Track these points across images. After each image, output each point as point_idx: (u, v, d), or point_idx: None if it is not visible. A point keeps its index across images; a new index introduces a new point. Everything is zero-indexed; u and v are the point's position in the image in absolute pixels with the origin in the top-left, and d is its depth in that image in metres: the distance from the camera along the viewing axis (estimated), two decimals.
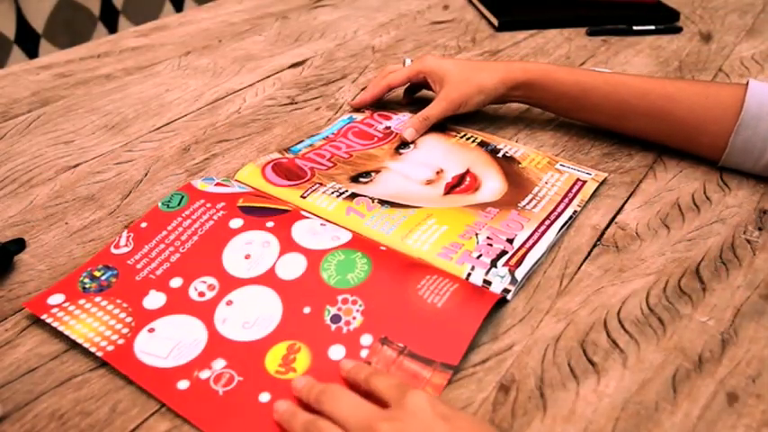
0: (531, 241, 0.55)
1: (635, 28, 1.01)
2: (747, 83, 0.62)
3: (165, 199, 0.58)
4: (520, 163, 0.67)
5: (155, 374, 0.44)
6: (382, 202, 0.60)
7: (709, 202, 0.62)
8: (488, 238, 0.55)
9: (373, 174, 0.65)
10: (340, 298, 0.49)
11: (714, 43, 0.98)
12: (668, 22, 1.04)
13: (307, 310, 0.48)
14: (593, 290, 0.52)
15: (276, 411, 0.41)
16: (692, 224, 0.59)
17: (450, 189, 0.63)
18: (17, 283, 0.53)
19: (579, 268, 0.54)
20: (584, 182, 0.63)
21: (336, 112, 0.78)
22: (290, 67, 0.91)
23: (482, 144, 0.70)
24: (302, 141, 0.71)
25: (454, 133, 0.72)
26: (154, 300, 0.49)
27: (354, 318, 0.47)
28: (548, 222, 0.58)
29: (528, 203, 0.60)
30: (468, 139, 0.71)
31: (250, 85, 0.86)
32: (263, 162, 0.66)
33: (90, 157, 0.70)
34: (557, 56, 0.94)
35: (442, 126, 0.73)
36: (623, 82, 0.67)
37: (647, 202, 0.62)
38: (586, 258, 0.55)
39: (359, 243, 0.53)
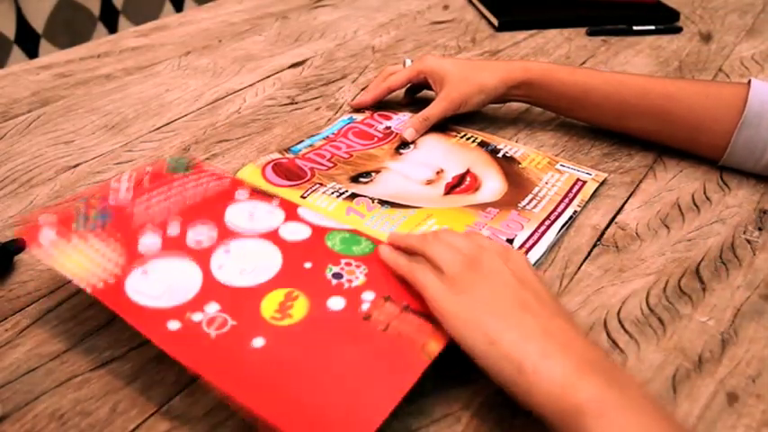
0: (531, 241, 0.55)
1: (635, 28, 1.01)
2: (749, 82, 0.62)
3: (174, 158, 0.57)
4: (520, 163, 0.66)
5: (145, 314, 0.42)
6: (382, 203, 0.60)
7: (709, 202, 0.62)
8: (488, 238, 0.55)
9: (373, 174, 0.65)
10: (344, 261, 0.48)
11: (714, 43, 0.98)
12: (668, 23, 1.04)
13: (308, 264, 0.47)
14: (593, 290, 0.52)
15: (382, 255, 0.47)
16: (692, 224, 0.59)
17: (451, 189, 0.63)
18: (17, 283, 0.53)
19: (579, 268, 0.54)
20: (585, 182, 0.63)
21: (336, 112, 0.78)
22: (290, 67, 0.91)
23: (482, 144, 0.70)
24: (302, 141, 0.71)
25: (454, 133, 0.72)
26: (149, 242, 0.48)
27: (357, 278, 0.46)
28: (548, 222, 0.58)
29: (528, 203, 0.60)
30: (468, 139, 0.71)
31: (250, 85, 0.86)
32: (263, 162, 0.66)
33: (90, 157, 0.70)
34: (557, 56, 0.94)
35: (443, 126, 0.73)
36: (623, 82, 0.67)
37: (647, 202, 0.62)
38: (586, 258, 0.55)
39: (362, 233, 0.53)
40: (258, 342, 0.41)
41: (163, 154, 0.70)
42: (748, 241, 0.57)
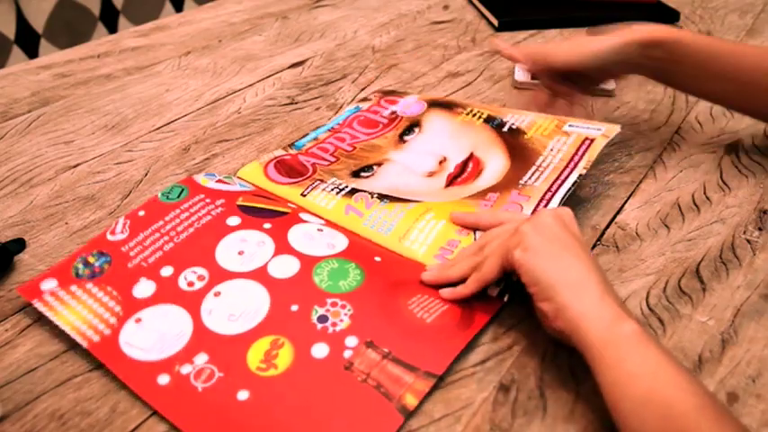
0: None
1: None
2: None
3: (165, 190, 0.58)
4: (526, 133, 0.65)
5: (137, 368, 0.44)
6: (381, 197, 0.59)
7: (709, 202, 0.62)
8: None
9: (375, 167, 0.65)
10: (329, 301, 0.48)
11: None
12: (668, 23, 1.04)
13: (294, 307, 0.48)
14: None
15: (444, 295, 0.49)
16: (692, 224, 0.59)
17: (452, 180, 0.62)
18: (17, 284, 0.53)
19: None
20: (593, 140, 0.61)
21: (336, 112, 0.78)
22: (290, 67, 0.91)
23: (488, 119, 0.68)
24: (307, 135, 0.71)
25: (460, 109, 0.71)
26: (144, 288, 0.49)
27: (341, 320, 0.47)
28: (549, 195, 0.57)
29: (529, 178, 0.59)
30: (474, 115, 0.70)
31: (250, 85, 0.86)
32: (266, 160, 0.66)
33: (90, 157, 0.70)
34: None
35: (449, 105, 0.72)
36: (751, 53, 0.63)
37: (647, 202, 0.62)
38: None
39: (354, 252, 0.53)
40: (243, 395, 0.42)
41: (163, 154, 0.70)
42: (748, 241, 0.57)
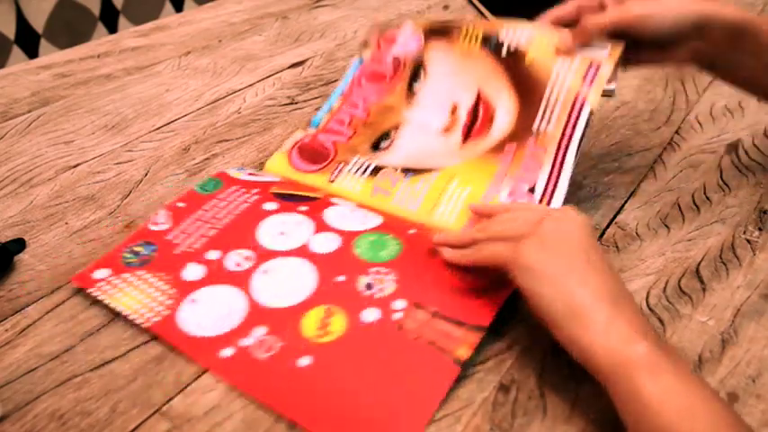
0: (551, 184, 0.55)
1: None
2: None
3: (201, 183, 0.62)
4: (526, 55, 0.62)
5: (199, 344, 0.46)
6: (405, 171, 0.61)
7: (709, 202, 0.62)
8: (510, 193, 0.56)
9: (392, 132, 0.65)
10: (373, 270, 0.50)
11: None
12: None
13: (341, 278, 0.50)
14: None
15: (445, 255, 0.49)
16: (692, 224, 0.59)
17: (468, 132, 0.62)
18: (17, 283, 0.53)
19: None
20: (599, 65, 0.58)
21: None
22: (290, 67, 0.91)
23: (485, 41, 0.66)
24: (320, 108, 0.71)
25: (457, 33, 0.68)
26: (193, 271, 0.51)
27: (387, 286, 0.49)
28: (565, 143, 0.57)
29: (541, 121, 0.59)
30: (471, 39, 0.67)
31: (250, 85, 0.86)
32: (288, 147, 0.67)
33: (90, 157, 0.70)
34: None
35: (445, 30, 0.69)
36: None
37: (647, 202, 0.62)
38: None
39: (389, 226, 0.55)
40: (304, 361, 0.44)
41: (163, 154, 0.70)
42: (748, 241, 0.57)
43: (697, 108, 0.78)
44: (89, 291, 0.50)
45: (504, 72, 0.64)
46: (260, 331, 0.46)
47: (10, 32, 1.28)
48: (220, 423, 0.41)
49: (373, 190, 0.60)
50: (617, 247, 0.56)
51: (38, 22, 1.32)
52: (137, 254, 0.53)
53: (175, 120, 0.78)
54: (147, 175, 0.67)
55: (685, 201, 0.62)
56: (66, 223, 0.60)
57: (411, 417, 0.41)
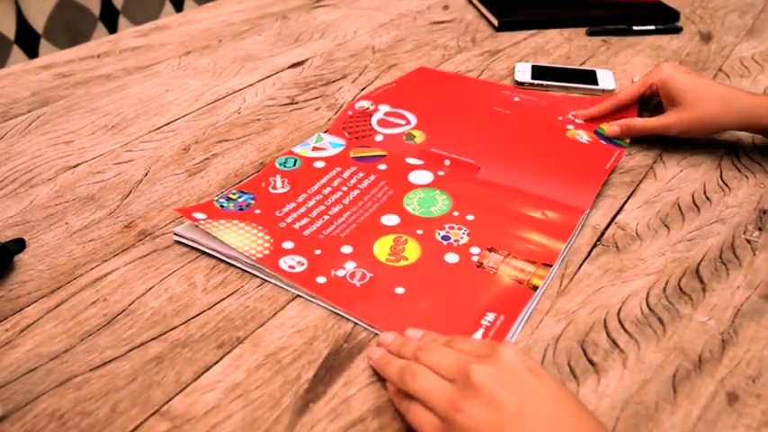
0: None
1: (635, 28, 1.01)
2: None
3: (281, 160, 0.66)
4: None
5: (297, 276, 0.52)
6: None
7: (709, 202, 0.62)
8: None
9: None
10: (447, 225, 0.57)
11: (714, 43, 0.98)
12: (668, 22, 1.04)
13: (419, 231, 0.57)
14: (593, 290, 0.52)
15: (371, 358, 0.45)
16: (692, 224, 0.59)
17: None
18: (17, 283, 0.53)
19: (579, 268, 0.54)
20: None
21: (336, 112, 0.78)
22: (290, 67, 0.91)
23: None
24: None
25: None
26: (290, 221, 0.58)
27: (462, 237, 0.56)
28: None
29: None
30: None
31: (250, 85, 0.86)
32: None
33: (90, 157, 0.70)
34: (557, 56, 0.94)
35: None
36: None
37: (647, 202, 0.62)
38: (586, 258, 0.55)
39: (436, 182, 0.63)
40: (399, 290, 0.51)
41: (163, 154, 0.70)
42: (748, 241, 0.57)
43: None
44: (197, 224, 0.55)
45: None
46: (351, 265, 0.53)
47: (10, 32, 1.28)
48: (220, 423, 0.41)
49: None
50: (617, 247, 0.56)
51: (38, 22, 1.32)
52: (231, 200, 0.59)
53: (175, 120, 0.78)
54: (147, 175, 0.67)
55: (685, 201, 0.62)
56: (67, 223, 0.60)
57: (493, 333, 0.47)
